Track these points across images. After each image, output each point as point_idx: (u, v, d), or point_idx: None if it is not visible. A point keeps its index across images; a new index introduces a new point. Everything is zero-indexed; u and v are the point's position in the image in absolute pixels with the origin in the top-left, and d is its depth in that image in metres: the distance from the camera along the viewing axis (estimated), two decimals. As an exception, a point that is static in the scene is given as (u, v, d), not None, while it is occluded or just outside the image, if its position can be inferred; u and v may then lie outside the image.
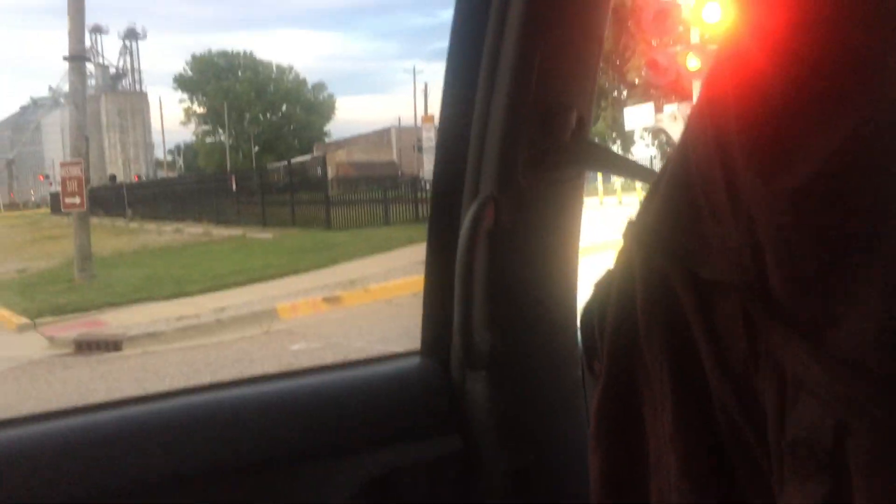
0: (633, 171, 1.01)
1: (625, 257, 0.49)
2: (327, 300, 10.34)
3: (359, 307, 10.20)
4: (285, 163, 26.91)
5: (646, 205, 0.48)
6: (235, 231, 23.52)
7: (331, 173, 33.33)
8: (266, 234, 21.07)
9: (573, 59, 1.02)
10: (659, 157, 22.34)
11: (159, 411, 1.06)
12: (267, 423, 1.06)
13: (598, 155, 1.03)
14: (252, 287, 11.79)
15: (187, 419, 1.04)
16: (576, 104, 1.03)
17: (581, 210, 1.07)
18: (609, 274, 0.51)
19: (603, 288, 0.51)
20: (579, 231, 1.08)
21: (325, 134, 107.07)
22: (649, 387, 0.47)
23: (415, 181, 27.21)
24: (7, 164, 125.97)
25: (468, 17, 1.04)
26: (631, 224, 0.49)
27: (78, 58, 13.77)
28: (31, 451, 1.00)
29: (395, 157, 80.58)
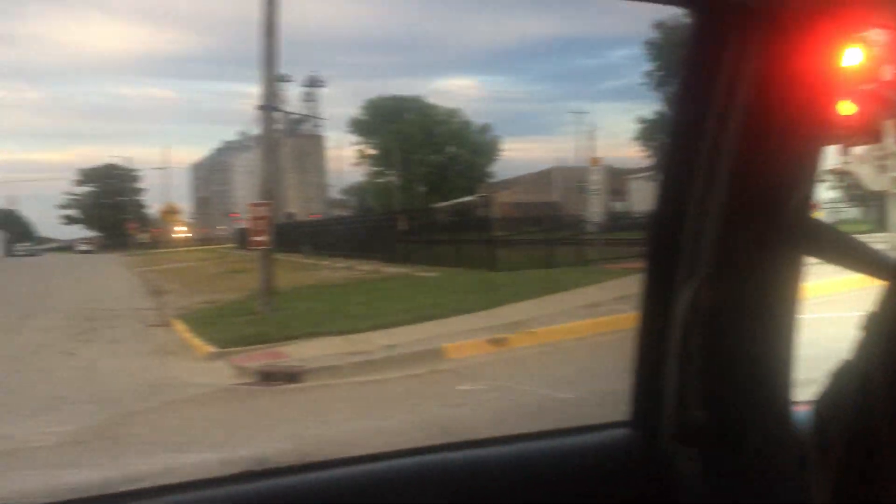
0: (861, 257, 0.98)
1: (870, 349, 0.48)
2: (492, 342, 10.42)
3: (524, 350, 10.20)
4: (451, 203, 27.45)
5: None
6: (403, 269, 24.15)
7: (495, 213, 33.80)
8: (432, 273, 21.48)
9: (797, 139, 1.03)
10: (844, 199, 20.88)
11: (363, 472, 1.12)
12: (478, 488, 1.11)
13: (823, 236, 1.01)
14: (419, 326, 12.08)
15: (403, 480, 1.10)
16: (799, 183, 1.03)
17: (800, 289, 1.06)
18: (848, 364, 0.50)
19: (842, 377, 0.50)
20: (798, 310, 1.06)
21: (489, 174, 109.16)
22: None
23: (578, 222, 27.00)
24: (201, 201, 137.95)
25: (690, 95, 1.07)
26: (876, 316, 0.48)
27: (269, 108, 14.90)
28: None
29: (558, 197, 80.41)
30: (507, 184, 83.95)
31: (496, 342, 10.43)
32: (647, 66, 44.70)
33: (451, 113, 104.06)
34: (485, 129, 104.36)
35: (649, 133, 41.55)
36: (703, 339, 1.04)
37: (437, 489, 1.10)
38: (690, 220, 1.11)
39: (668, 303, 1.11)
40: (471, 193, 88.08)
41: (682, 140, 1.12)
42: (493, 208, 30.46)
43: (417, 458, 1.17)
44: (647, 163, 46.96)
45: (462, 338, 10.70)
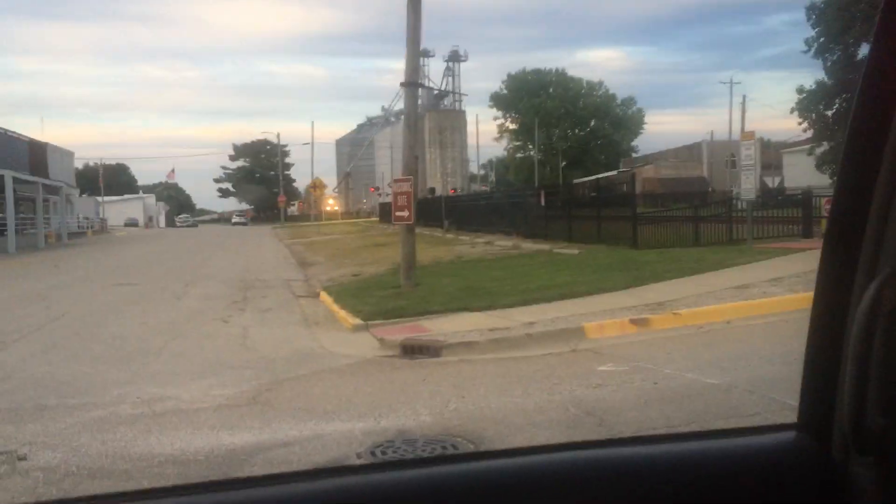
0: None
1: None
2: (634, 322, 10.17)
3: (667, 331, 9.89)
4: (592, 178, 26.97)
5: None
6: (543, 245, 24.13)
7: (638, 189, 32.80)
8: (572, 250, 21.36)
9: None
10: None
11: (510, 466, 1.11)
12: (637, 488, 1.08)
13: None
14: (559, 304, 12.00)
15: (564, 474, 1.08)
16: None
17: None
18: None
19: None
20: None
21: (633, 149, 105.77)
22: None
23: (728, 199, 25.81)
24: (345, 176, 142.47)
25: (881, 70, 0.97)
26: None
27: (412, 84, 15.13)
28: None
29: (705, 172, 77.13)
30: (652, 158, 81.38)
31: (639, 323, 10.18)
32: (808, 32, 41.75)
33: (594, 86, 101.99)
34: (629, 101, 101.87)
35: (808, 104, 38.89)
36: (885, 342, 0.96)
37: (594, 486, 1.07)
38: (874, 214, 1.02)
39: (847, 302, 1.02)
40: (613, 169, 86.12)
41: (867, 122, 1.02)
42: (637, 184, 29.64)
43: (573, 453, 1.15)
44: (804, 136, 44.18)
45: (603, 317, 10.52)
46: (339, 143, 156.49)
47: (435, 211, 47.01)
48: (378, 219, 75.63)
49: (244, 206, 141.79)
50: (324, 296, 15.56)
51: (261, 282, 19.59)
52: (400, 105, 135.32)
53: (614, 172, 63.38)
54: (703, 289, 12.33)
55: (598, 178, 25.31)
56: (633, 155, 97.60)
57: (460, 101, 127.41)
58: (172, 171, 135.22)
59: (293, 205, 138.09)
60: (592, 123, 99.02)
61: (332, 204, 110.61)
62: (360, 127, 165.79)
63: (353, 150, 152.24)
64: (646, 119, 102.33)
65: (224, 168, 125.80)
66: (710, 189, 65.87)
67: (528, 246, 24.92)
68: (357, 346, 10.42)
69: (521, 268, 17.90)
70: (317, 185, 53.83)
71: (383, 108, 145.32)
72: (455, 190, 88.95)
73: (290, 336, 11.26)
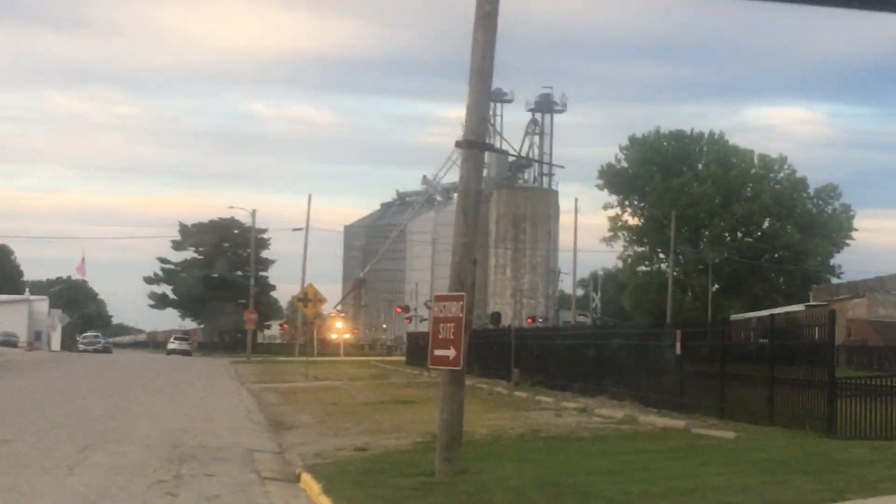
0: None
1: None
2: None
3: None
4: (763, 314, 26.80)
5: None
6: (675, 420, 23.72)
7: (839, 337, 32.42)
8: (725, 432, 20.98)
9: None
10: None
11: None
12: None
13: None
14: (700, 521, 11.73)
15: None
16: None
17: None
18: None
19: None
20: None
21: (832, 271, 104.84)
22: None
23: None
24: (356, 285, 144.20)
25: None
26: None
27: (475, 144, 15.39)
28: None
29: (955, 314, 75.94)
30: (865, 288, 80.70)
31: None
32: None
33: (772, 163, 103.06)
34: (828, 192, 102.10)
35: None
36: None
37: None
38: None
39: None
40: (799, 301, 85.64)
41: None
42: (838, 329, 29.36)
43: None
44: None
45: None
46: (351, 233, 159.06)
47: (499, 352, 46.93)
48: (405, 357, 75.81)
49: (189, 324, 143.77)
50: (308, 481, 15.43)
51: (206, 450, 19.56)
52: (451, 177, 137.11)
53: (800, 307, 62.95)
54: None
55: (772, 315, 25.12)
56: (833, 280, 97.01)
57: (551, 175, 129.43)
58: (82, 261, 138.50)
59: (269, 326, 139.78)
60: (766, 224, 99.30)
61: (339, 329, 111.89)
62: (386, 208, 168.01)
63: (372, 245, 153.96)
64: (855, 223, 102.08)
65: (163, 262, 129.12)
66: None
67: (651, 420, 24.56)
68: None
69: (638, 457, 17.53)
70: (310, 297, 54.36)
71: (425, 181, 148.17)
72: (534, 319, 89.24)
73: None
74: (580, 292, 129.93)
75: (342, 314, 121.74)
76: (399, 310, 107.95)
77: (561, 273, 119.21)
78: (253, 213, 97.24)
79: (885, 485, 13.82)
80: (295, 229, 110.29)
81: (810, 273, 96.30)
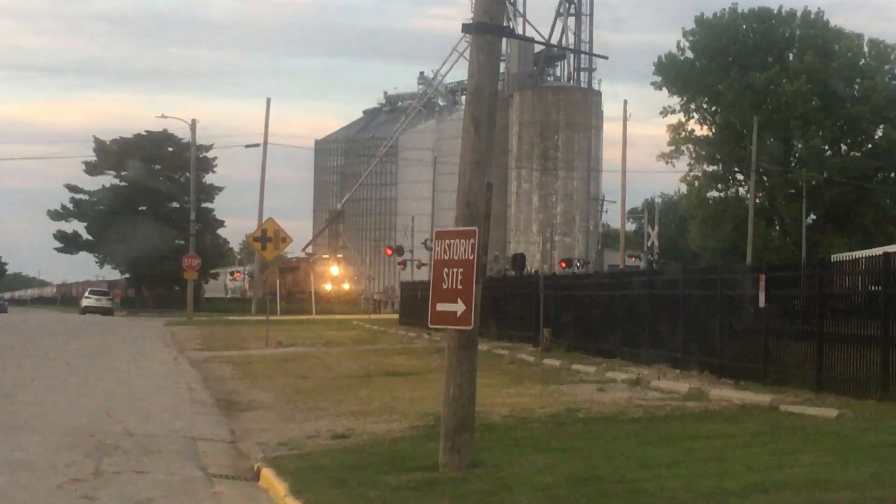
0: None
1: None
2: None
3: None
4: (876, 252, 26.68)
5: None
6: (758, 395, 23.80)
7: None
8: (826, 409, 21.09)
9: None
10: None
11: None
12: None
13: None
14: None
15: None
16: None
17: None
18: None
19: None
20: None
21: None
22: None
23: None
24: (332, 218, 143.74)
25: None
26: None
27: (489, 28, 15.29)
28: None
29: None
30: None
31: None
32: None
33: (887, 51, 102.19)
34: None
35: None
36: None
37: None
38: None
39: None
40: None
41: None
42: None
43: None
44: None
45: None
46: (324, 150, 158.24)
47: (523, 306, 46.90)
48: (398, 315, 75.88)
49: (111, 274, 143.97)
50: (270, 479, 15.52)
51: (134, 438, 19.64)
52: (458, 74, 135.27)
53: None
54: None
55: (886, 255, 25.02)
56: None
57: (591, 70, 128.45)
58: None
59: (217, 275, 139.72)
60: (880, 133, 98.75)
61: (334, 276, 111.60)
62: (370, 117, 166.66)
63: (352, 166, 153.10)
64: None
65: (73, 191, 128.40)
66: None
67: (726, 394, 24.59)
68: None
69: (709, 443, 17.60)
70: (269, 236, 54.26)
71: (423, 79, 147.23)
72: (569, 263, 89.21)
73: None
74: (631, 227, 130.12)
75: (339, 256, 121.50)
76: (389, 252, 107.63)
77: (606, 202, 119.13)
78: (192, 125, 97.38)
79: None
80: (249, 146, 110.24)
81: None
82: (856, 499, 12.80)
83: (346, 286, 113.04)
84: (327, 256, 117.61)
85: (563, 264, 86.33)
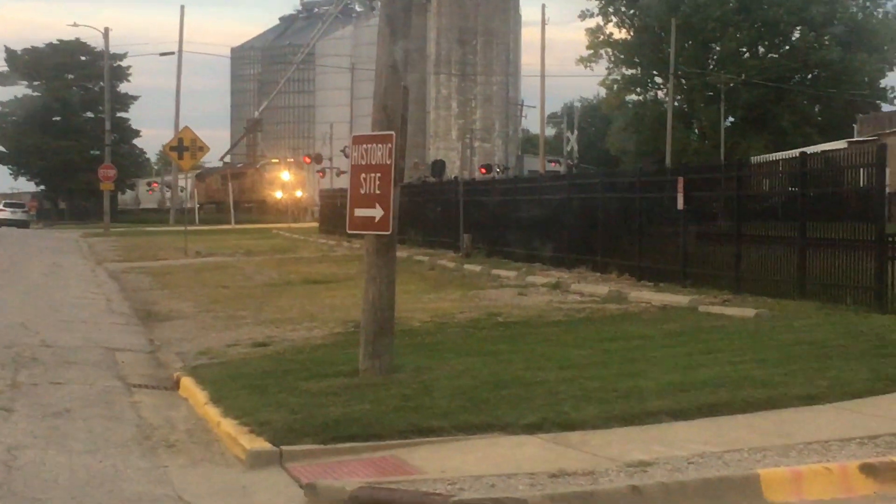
0: None
1: None
2: (871, 470, 10.17)
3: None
4: (792, 154, 26.89)
5: None
6: (677, 296, 24.16)
7: (892, 181, 32.52)
8: (744, 309, 21.40)
9: None
10: None
11: None
12: None
13: None
14: (708, 423, 12.03)
15: None
16: None
17: None
18: None
19: None
20: None
21: (885, 95, 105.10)
22: None
23: None
24: (250, 127, 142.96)
25: None
26: None
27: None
28: None
29: None
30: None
31: (879, 472, 10.15)
32: None
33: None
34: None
35: None
36: None
37: None
38: None
39: None
40: (838, 136, 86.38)
41: None
42: (891, 171, 29.68)
43: None
44: None
45: (804, 457, 10.55)
46: (241, 57, 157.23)
47: (443, 213, 47.00)
48: (318, 222, 75.81)
49: (25, 186, 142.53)
50: (190, 387, 15.51)
51: (52, 350, 19.54)
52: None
53: (842, 144, 63.32)
54: None
55: (803, 155, 25.25)
56: (885, 108, 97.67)
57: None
58: None
59: (134, 185, 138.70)
60: (797, 35, 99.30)
61: (286, 183, 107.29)
62: (287, 23, 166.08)
63: (270, 74, 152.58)
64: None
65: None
66: None
67: (646, 296, 24.86)
68: (258, 501, 10.35)
69: (629, 344, 17.81)
70: (186, 146, 53.92)
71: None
72: (489, 169, 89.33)
73: (111, 475, 11.23)
74: (551, 132, 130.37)
75: (290, 160, 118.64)
76: (308, 160, 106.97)
77: (524, 107, 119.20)
78: (105, 33, 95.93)
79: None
80: (164, 53, 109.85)
81: (855, 99, 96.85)
82: (771, 396, 13.03)
83: (300, 193, 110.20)
84: (277, 161, 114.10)
85: (483, 170, 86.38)
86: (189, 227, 57.38)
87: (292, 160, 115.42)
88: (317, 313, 23.90)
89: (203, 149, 53.08)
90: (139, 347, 20.62)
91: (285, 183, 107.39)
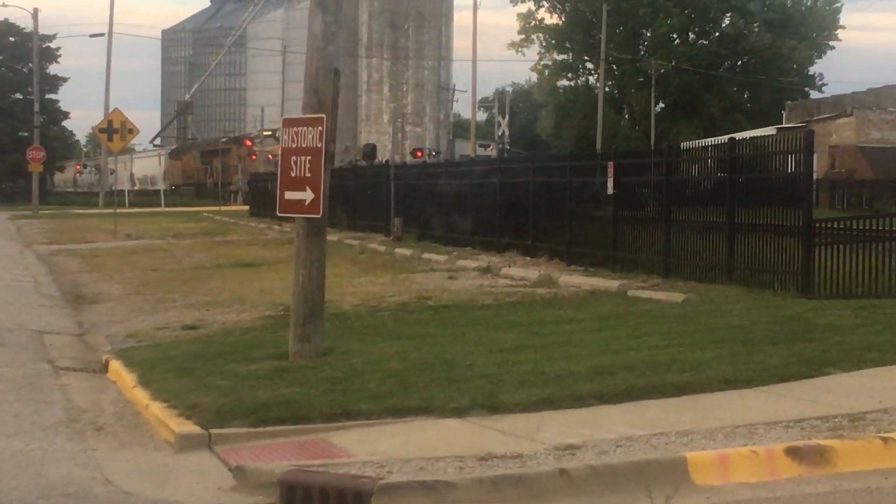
0: None
1: None
2: (796, 453, 10.23)
3: (868, 476, 9.95)
4: (722, 140, 27.06)
5: None
6: (607, 281, 24.24)
7: (819, 169, 32.84)
8: (672, 294, 21.50)
9: None
10: None
11: None
12: None
13: None
14: (635, 407, 12.09)
15: None
16: None
17: None
18: None
19: None
20: None
21: (811, 82, 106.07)
22: None
23: None
24: (180, 110, 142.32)
25: None
26: None
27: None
28: None
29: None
30: (854, 103, 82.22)
31: (804, 455, 10.22)
32: None
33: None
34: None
35: None
36: None
37: None
38: None
39: None
40: (767, 122, 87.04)
41: None
42: (818, 157, 29.88)
43: None
44: None
45: (729, 440, 10.59)
46: (172, 39, 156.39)
47: (374, 197, 46.93)
48: (249, 206, 75.51)
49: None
50: (118, 371, 15.44)
51: (-20, 333, 19.43)
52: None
53: (771, 130, 63.76)
54: (949, 389, 12.39)
55: (732, 140, 25.41)
56: (814, 95, 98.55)
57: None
58: None
59: (63, 168, 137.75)
60: (727, 22, 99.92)
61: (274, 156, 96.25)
62: (218, 5, 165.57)
63: (201, 56, 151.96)
64: (842, 19, 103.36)
65: None
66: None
67: (576, 281, 24.91)
68: (186, 484, 10.32)
69: (558, 328, 17.86)
70: (116, 128, 53.60)
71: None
72: (423, 153, 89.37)
73: (37, 458, 11.18)
74: (482, 116, 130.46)
75: (163, 152, 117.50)
76: (249, 143, 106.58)
77: (456, 91, 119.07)
78: (35, 14, 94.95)
79: (871, 354, 14.32)
80: (94, 35, 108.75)
81: (783, 86, 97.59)
82: (698, 379, 13.10)
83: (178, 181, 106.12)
84: (269, 133, 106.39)
85: (420, 153, 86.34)
86: (119, 210, 57.08)
87: (160, 146, 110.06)
88: (247, 296, 23.83)
89: (133, 131, 52.81)
90: (68, 330, 20.52)
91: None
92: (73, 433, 12.28)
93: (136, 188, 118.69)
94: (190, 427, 11.74)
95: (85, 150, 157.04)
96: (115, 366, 15.76)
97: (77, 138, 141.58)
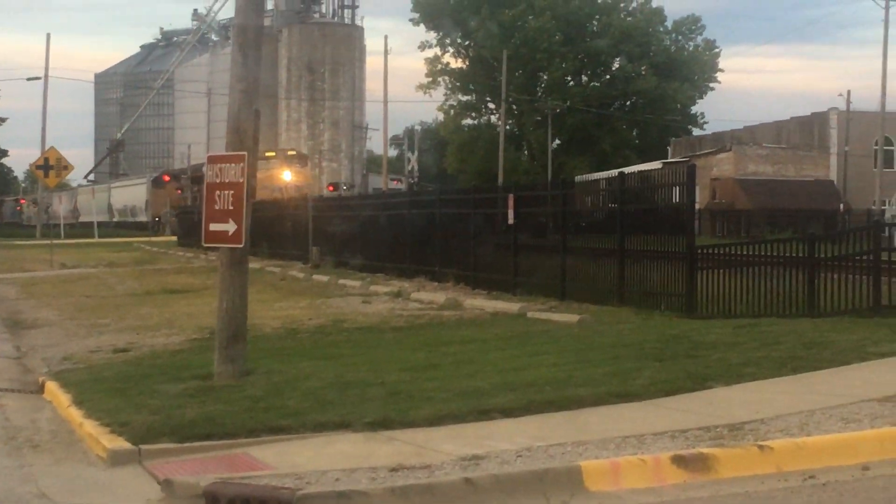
0: None
1: None
2: (681, 461, 10.31)
3: (745, 481, 10.04)
4: (612, 173, 27.32)
5: None
6: (508, 303, 24.29)
7: (700, 199, 33.25)
8: (568, 315, 21.58)
9: None
10: None
11: None
12: None
13: None
14: (533, 420, 12.12)
15: None
16: None
17: None
18: None
19: None
20: None
21: (694, 120, 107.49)
22: None
23: (876, 225, 26.42)
24: (112, 147, 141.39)
25: None
26: None
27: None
28: None
29: (832, 171, 79.16)
30: (732, 140, 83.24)
31: (689, 463, 10.30)
32: None
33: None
34: (688, 24, 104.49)
35: None
36: None
37: None
38: None
39: None
40: (654, 157, 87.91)
41: None
42: (700, 189, 30.18)
43: None
44: None
45: (620, 450, 10.65)
46: (104, 82, 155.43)
47: (293, 227, 46.94)
48: (177, 237, 75.12)
49: None
50: (54, 391, 15.28)
51: (-79, 358, 19.17)
52: (230, 11, 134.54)
53: (657, 165, 64.41)
54: (818, 400, 12.51)
55: (621, 174, 25.65)
56: (696, 132, 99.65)
57: (354, 7, 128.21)
58: None
59: (2, 203, 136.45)
60: (616, 66, 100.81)
61: (287, 182, 75.31)
62: (147, 51, 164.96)
63: (131, 98, 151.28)
64: (721, 62, 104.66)
65: None
66: (841, 205, 67.49)
67: (479, 304, 24.99)
68: (117, 497, 10.24)
69: (464, 348, 17.89)
70: (52, 164, 53.15)
71: (197, 16, 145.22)
72: (336, 186, 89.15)
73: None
74: (393, 153, 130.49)
75: (291, 153, 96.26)
76: (168, 178, 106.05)
77: (369, 129, 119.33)
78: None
79: (749, 369, 14.52)
80: (30, 78, 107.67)
81: (668, 124, 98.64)
82: (593, 393, 13.17)
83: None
84: (272, 154, 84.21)
85: (331, 188, 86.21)
86: (55, 241, 56.57)
87: (294, 153, 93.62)
88: (175, 321, 23.68)
89: (67, 167, 52.25)
90: (5, 353, 20.26)
91: (286, 184, 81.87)
92: (11, 450, 12.15)
93: (115, 220, 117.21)
94: (121, 443, 11.63)
95: (23, 185, 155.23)
96: (51, 387, 15.58)
97: (15, 174, 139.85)
